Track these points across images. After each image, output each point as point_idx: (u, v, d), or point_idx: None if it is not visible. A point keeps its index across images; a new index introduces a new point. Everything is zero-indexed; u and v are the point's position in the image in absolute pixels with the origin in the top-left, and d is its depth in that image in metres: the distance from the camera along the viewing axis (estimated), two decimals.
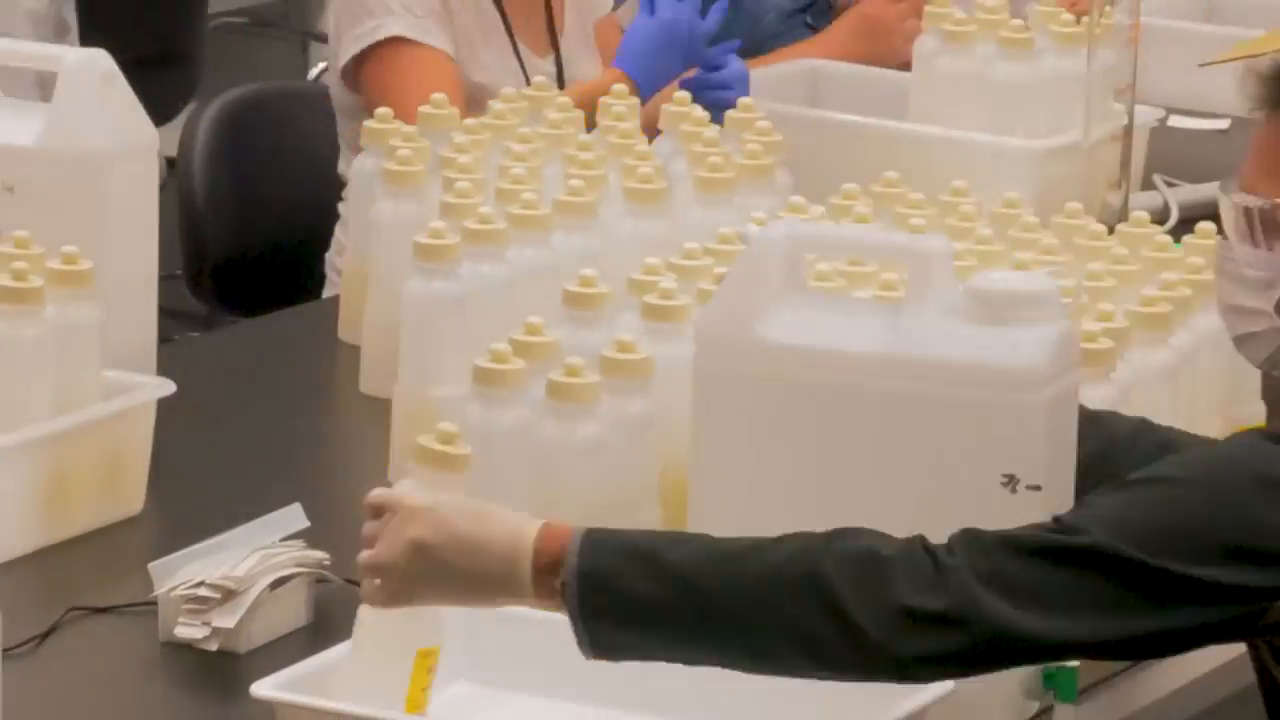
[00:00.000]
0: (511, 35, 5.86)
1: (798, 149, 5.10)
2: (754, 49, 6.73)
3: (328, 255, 5.81)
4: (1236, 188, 3.59)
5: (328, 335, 5.18)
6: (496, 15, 5.84)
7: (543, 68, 5.73)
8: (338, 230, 5.80)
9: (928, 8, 6.15)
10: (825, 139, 5.37)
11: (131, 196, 4.55)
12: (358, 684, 3.42)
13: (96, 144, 4.48)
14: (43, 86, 4.79)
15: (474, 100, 5.52)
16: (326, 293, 5.75)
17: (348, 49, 5.75)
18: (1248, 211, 3.63)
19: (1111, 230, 4.77)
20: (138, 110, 4.56)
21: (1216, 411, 4.45)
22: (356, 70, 5.75)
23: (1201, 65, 5.86)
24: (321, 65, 6.85)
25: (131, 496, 4.12)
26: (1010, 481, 3.44)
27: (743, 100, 5.14)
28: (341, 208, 5.77)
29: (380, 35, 5.66)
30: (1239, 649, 3.73)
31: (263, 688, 3.27)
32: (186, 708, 3.73)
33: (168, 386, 4.19)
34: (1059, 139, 5.43)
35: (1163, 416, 4.16)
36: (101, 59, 4.53)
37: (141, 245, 4.57)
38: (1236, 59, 5.58)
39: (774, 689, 3.59)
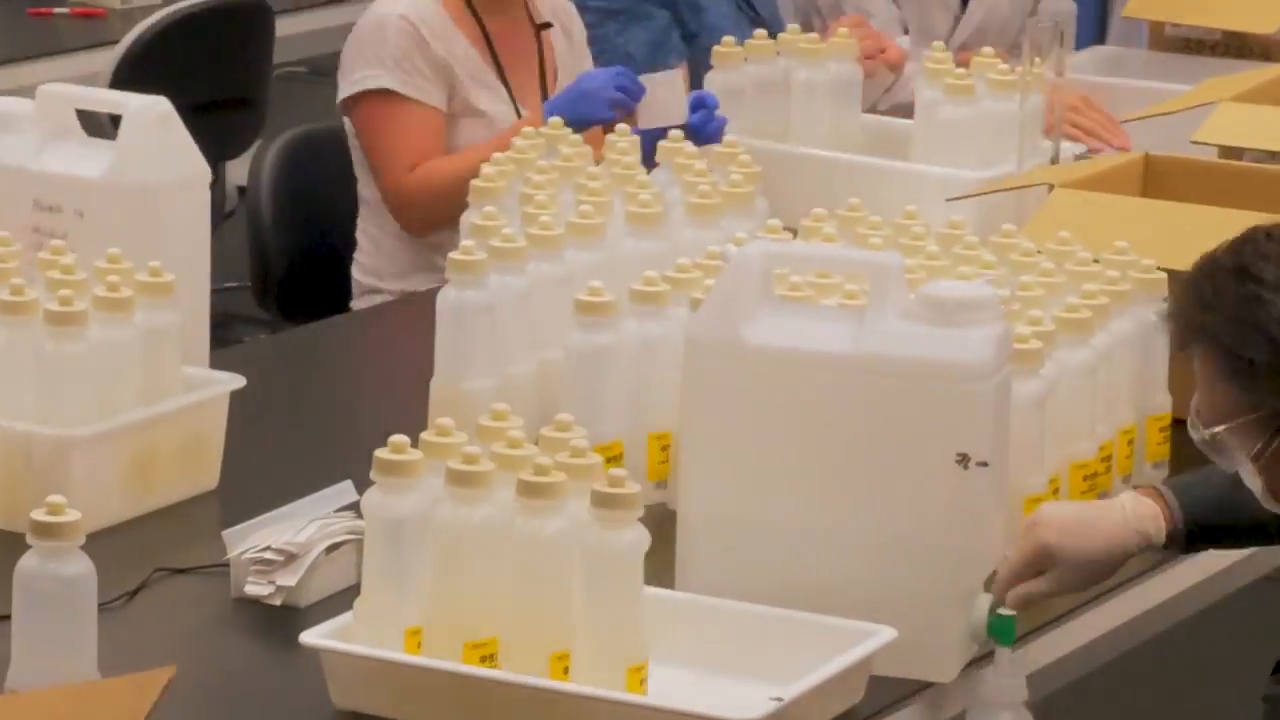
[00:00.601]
0: (508, 86, 5.82)
1: (773, 180, 5.09)
2: None
3: (352, 268, 5.78)
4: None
5: (371, 338, 5.22)
6: (494, 70, 5.78)
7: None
8: (359, 244, 5.79)
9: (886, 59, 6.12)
10: (796, 171, 5.37)
11: (185, 220, 4.58)
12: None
13: (154, 176, 4.51)
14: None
15: (471, 140, 5.59)
16: (354, 299, 5.77)
17: (344, 89, 5.73)
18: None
19: (1040, 249, 4.68)
20: (191, 147, 4.57)
21: (1129, 402, 4.44)
22: (350, 108, 5.74)
23: (1123, 120, 5.91)
24: None
25: (208, 474, 4.13)
26: (963, 459, 3.45)
27: (728, 139, 5.13)
28: (359, 224, 5.80)
29: (370, 85, 5.65)
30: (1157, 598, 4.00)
31: (310, 636, 3.31)
32: (253, 654, 3.71)
33: (238, 381, 4.19)
34: (996, 170, 5.40)
35: (1083, 407, 4.35)
36: (160, 104, 4.56)
37: (196, 261, 4.57)
38: (1150, 115, 5.59)
39: (746, 633, 3.66)
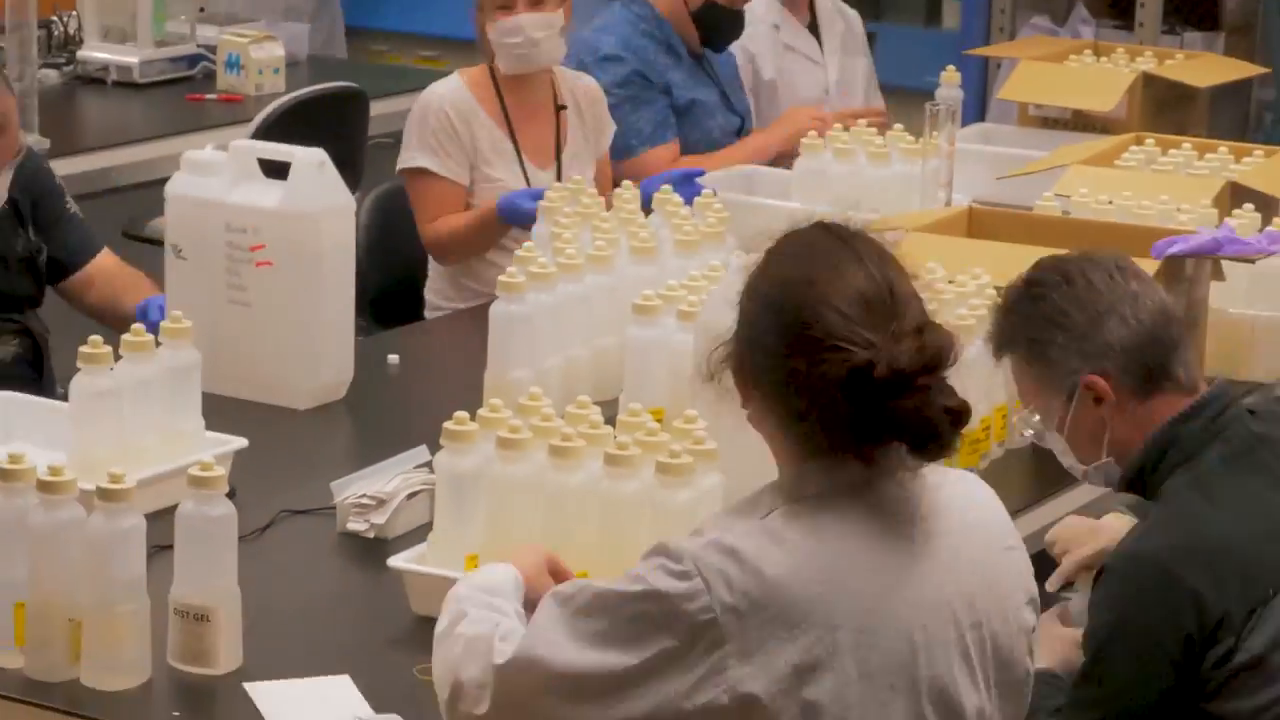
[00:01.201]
0: (519, 153, 5.62)
1: (740, 222, 4.97)
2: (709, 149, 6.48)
3: (425, 290, 5.71)
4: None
5: (437, 340, 5.25)
6: (508, 137, 5.61)
7: (543, 178, 5.53)
8: (430, 271, 5.70)
9: (830, 133, 5.95)
10: (758, 216, 5.14)
11: (337, 237, 4.63)
12: None
13: (314, 206, 4.55)
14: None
15: (483, 199, 5.50)
16: (426, 311, 5.70)
17: (399, 163, 5.64)
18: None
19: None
20: (340, 185, 4.63)
21: (983, 398, 4.27)
22: (403, 176, 5.64)
23: (998, 178, 5.89)
24: None
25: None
26: None
27: (706, 192, 5.11)
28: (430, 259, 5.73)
29: (412, 164, 5.53)
30: None
31: (396, 561, 3.46)
32: (352, 575, 3.74)
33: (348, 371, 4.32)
34: (905, 215, 5.16)
35: (973, 390, 3.78)
36: (318, 154, 4.59)
37: (345, 265, 4.65)
38: (1019, 174, 5.60)
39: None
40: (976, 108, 7.92)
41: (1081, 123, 6.38)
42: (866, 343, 2.56)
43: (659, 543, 2.62)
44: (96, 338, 3.85)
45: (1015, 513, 3.61)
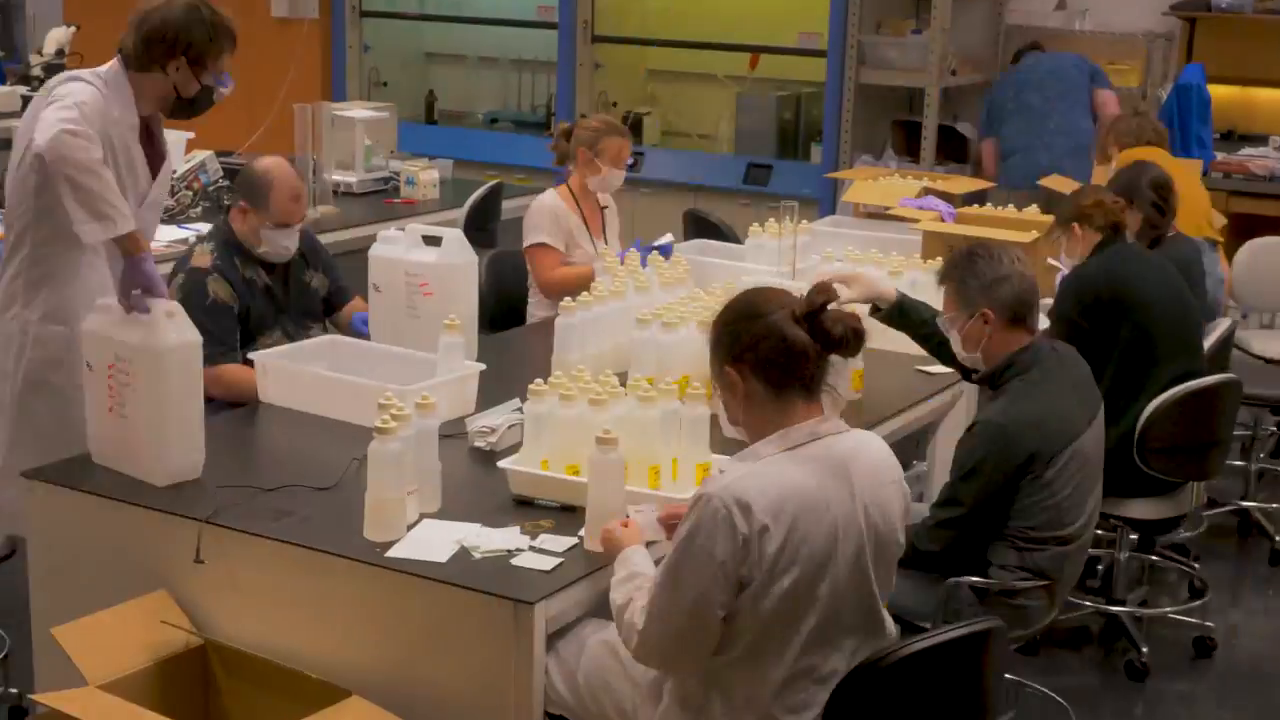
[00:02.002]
0: (590, 232, 5.54)
1: (696, 272, 4.84)
2: None
3: (526, 309, 5.55)
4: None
5: (531, 339, 4.95)
6: (585, 229, 5.50)
7: (597, 246, 5.49)
8: (530, 297, 5.52)
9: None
10: (706, 269, 4.99)
11: (470, 280, 4.56)
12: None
13: (458, 260, 4.50)
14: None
15: (570, 262, 5.39)
16: (528, 321, 5.51)
17: (526, 241, 5.46)
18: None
19: None
20: (469, 250, 4.54)
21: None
22: (528, 248, 5.43)
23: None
24: None
25: (469, 402, 3.97)
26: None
27: (675, 255, 4.98)
28: (529, 291, 5.54)
29: (535, 240, 5.41)
30: None
31: (503, 463, 3.48)
32: (476, 472, 3.60)
33: (479, 366, 4.10)
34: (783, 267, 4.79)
35: None
36: (457, 233, 4.55)
37: (469, 293, 4.54)
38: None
39: None
40: (830, 206, 7.66)
41: (888, 214, 6.17)
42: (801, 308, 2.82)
43: (699, 492, 2.76)
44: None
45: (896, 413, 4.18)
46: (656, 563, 2.90)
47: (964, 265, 3.80)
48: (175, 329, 3.47)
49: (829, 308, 2.83)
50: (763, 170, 8.49)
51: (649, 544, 3.06)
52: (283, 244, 4.50)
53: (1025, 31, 8.50)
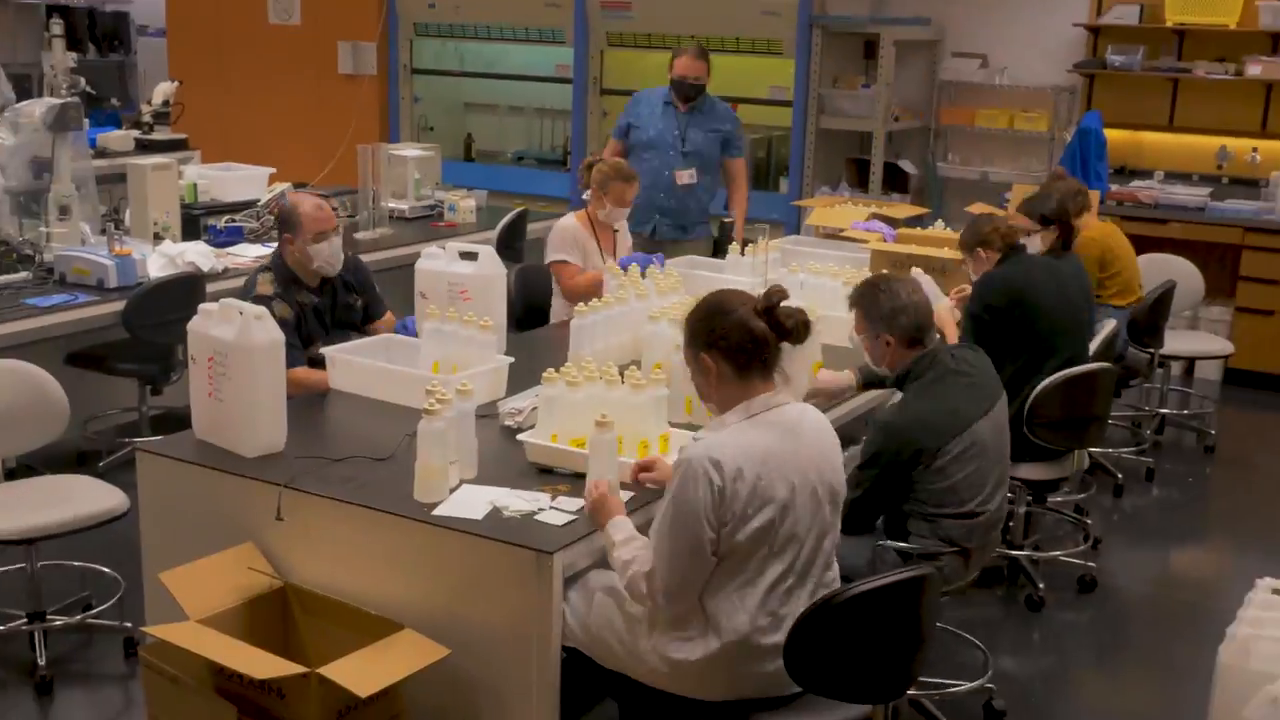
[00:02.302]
0: (601, 251, 5.38)
1: (686, 281, 4.76)
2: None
3: (551, 311, 5.39)
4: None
5: (551, 336, 4.81)
6: (597, 247, 5.37)
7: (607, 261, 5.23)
8: (553, 302, 5.40)
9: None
10: (697, 280, 4.85)
11: (499, 289, 4.48)
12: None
13: (491, 272, 4.46)
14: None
15: (595, 279, 5.13)
16: (551, 321, 5.35)
17: (548, 258, 5.36)
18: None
19: None
20: (498, 263, 4.48)
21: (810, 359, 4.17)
22: (552, 263, 5.33)
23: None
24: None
25: (500, 388, 3.94)
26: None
27: (668, 266, 5.03)
28: (553, 297, 5.41)
29: (557, 258, 5.31)
30: None
31: (523, 437, 3.49)
32: (505, 444, 3.56)
33: (508, 359, 4.03)
34: (756, 278, 4.83)
35: None
36: (490, 250, 4.52)
37: (498, 300, 4.45)
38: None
39: None
40: (795, 228, 7.53)
41: (842, 235, 6.06)
42: (759, 305, 2.87)
43: (680, 457, 2.83)
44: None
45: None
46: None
47: (868, 296, 3.76)
48: (262, 330, 3.48)
49: (781, 304, 2.90)
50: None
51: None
52: (328, 255, 4.38)
53: (955, 86, 8.53)
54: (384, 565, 3.17)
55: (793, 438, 2.89)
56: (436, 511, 3.13)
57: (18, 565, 4.13)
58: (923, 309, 3.70)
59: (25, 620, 4.10)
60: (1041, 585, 4.83)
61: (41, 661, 4.00)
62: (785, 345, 2.94)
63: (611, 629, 3.01)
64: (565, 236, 5.37)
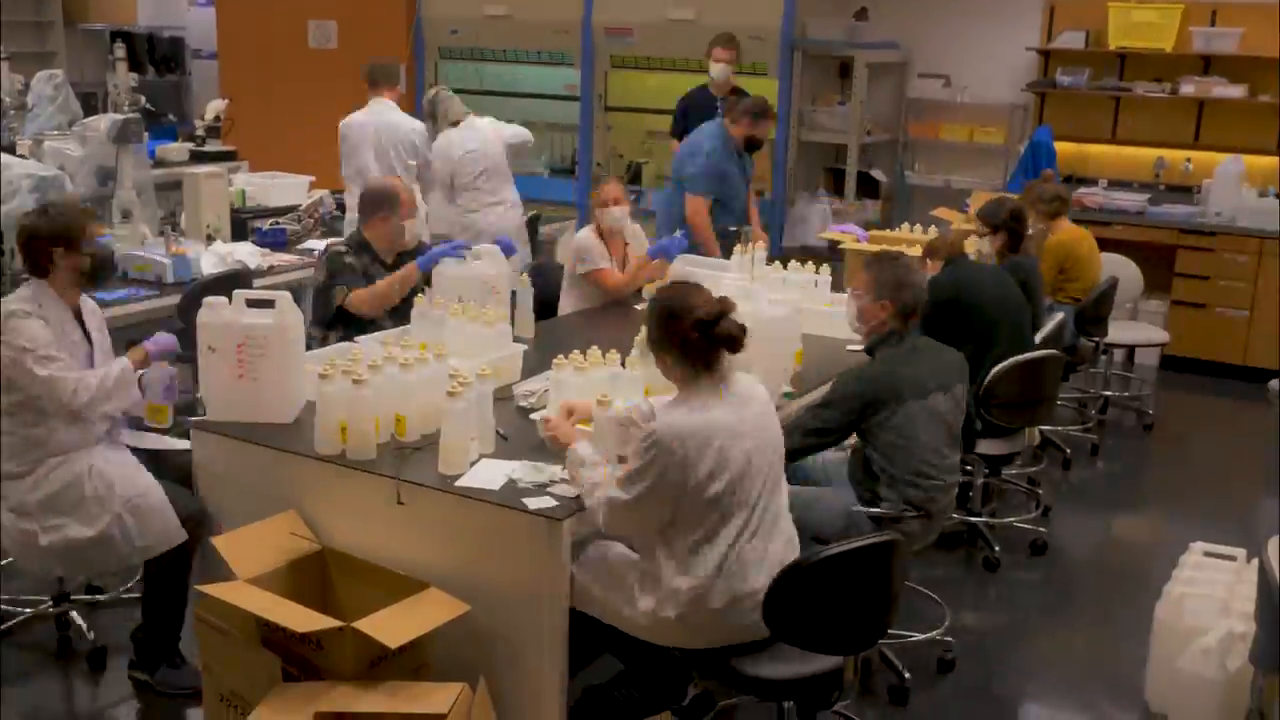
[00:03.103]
0: (611, 258, 5.23)
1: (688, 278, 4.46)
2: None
3: (560, 304, 5.26)
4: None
5: (573, 325, 4.76)
6: (606, 251, 5.20)
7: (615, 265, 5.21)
8: (562, 297, 5.26)
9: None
10: (695, 277, 4.35)
11: (509, 282, 4.50)
12: None
13: (495, 271, 4.43)
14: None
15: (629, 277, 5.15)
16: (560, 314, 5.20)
17: (579, 270, 5.16)
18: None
19: None
20: (505, 265, 4.47)
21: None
22: (576, 271, 5.19)
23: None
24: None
25: (516, 372, 3.89)
26: None
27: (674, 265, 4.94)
28: (563, 291, 5.28)
29: (587, 269, 5.13)
30: None
31: (535, 415, 3.51)
32: (520, 419, 3.57)
33: (522, 346, 4.02)
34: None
35: None
36: (497, 250, 4.51)
37: (527, 294, 4.49)
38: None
39: None
40: (779, 232, 7.58)
41: (819, 237, 6.13)
42: (705, 315, 2.87)
43: (646, 433, 2.84)
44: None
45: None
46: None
47: (885, 265, 3.78)
48: (292, 312, 3.53)
49: (724, 318, 2.90)
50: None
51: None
52: (412, 230, 4.68)
53: (921, 103, 8.52)
54: (412, 530, 3.15)
55: (744, 408, 2.92)
56: (459, 483, 3.12)
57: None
58: (920, 293, 3.73)
59: (51, 603, 3.94)
60: (997, 548, 4.84)
61: (91, 636, 3.85)
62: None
63: (604, 591, 3.01)
64: (589, 247, 5.22)
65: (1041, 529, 5.06)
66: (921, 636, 4.06)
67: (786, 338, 3.99)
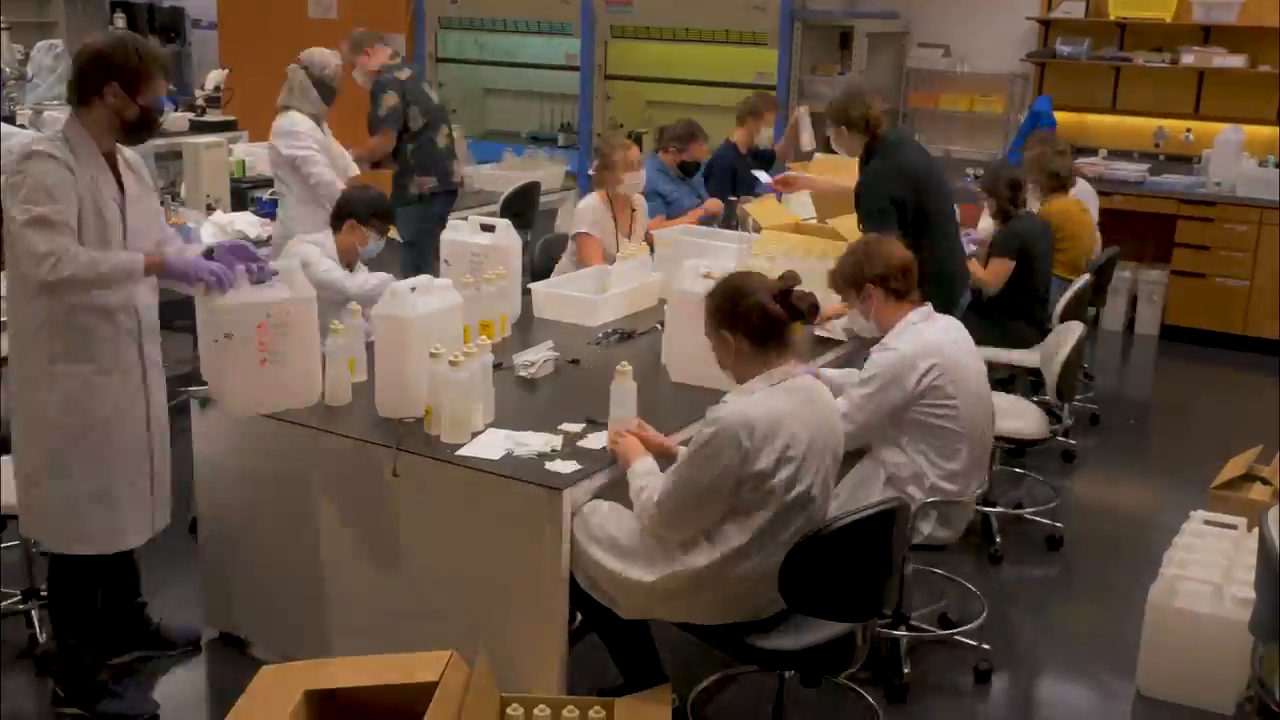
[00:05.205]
0: (617, 226, 5.20)
1: (690, 247, 4.67)
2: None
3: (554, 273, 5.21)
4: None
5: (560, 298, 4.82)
6: (613, 221, 5.17)
7: (624, 238, 5.18)
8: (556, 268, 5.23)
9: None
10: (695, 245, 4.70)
11: (514, 254, 4.28)
12: None
13: (505, 242, 4.29)
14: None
15: (608, 251, 5.10)
16: None
17: (575, 229, 5.14)
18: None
19: None
20: (514, 234, 4.32)
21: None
22: (576, 235, 5.11)
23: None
24: None
25: (512, 341, 3.94)
26: None
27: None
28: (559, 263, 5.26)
29: (579, 230, 5.09)
30: None
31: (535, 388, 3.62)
32: (522, 389, 3.60)
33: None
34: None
35: None
36: (505, 222, 4.39)
37: (516, 269, 4.30)
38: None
39: None
40: (777, 197, 7.20)
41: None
42: (779, 286, 2.84)
43: (712, 416, 2.77)
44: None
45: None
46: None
47: (853, 250, 3.65)
48: (304, 285, 3.30)
49: (795, 289, 2.86)
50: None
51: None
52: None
53: (921, 73, 8.47)
54: (416, 499, 3.14)
55: (809, 404, 2.85)
56: (460, 452, 3.10)
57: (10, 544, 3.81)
58: (907, 259, 3.56)
59: (20, 599, 3.74)
60: (999, 540, 4.66)
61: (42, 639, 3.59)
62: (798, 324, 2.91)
63: (606, 560, 2.96)
64: (588, 213, 5.17)
65: (1057, 523, 4.84)
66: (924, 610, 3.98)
67: None
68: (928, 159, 4.72)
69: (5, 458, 3.32)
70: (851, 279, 3.59)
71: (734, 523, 2.81)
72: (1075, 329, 4.60)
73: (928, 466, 3.42)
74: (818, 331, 4.21)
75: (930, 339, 3.45)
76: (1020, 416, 4.49)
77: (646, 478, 2.94)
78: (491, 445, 3.16)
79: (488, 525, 3.04)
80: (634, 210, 5.30)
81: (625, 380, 3.19)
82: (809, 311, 2.86)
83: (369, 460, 3.17)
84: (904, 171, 4.50)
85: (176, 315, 5.13)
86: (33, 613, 3.70)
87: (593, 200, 5.22)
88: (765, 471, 2.74)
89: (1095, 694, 3.72)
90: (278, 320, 3.24)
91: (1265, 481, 4.30)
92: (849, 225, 4.77)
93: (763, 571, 2.83)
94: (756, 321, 2.85)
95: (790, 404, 2.80)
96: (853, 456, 3.47)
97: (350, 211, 4.37)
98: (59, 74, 6.62)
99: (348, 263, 4.37)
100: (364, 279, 4.28)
